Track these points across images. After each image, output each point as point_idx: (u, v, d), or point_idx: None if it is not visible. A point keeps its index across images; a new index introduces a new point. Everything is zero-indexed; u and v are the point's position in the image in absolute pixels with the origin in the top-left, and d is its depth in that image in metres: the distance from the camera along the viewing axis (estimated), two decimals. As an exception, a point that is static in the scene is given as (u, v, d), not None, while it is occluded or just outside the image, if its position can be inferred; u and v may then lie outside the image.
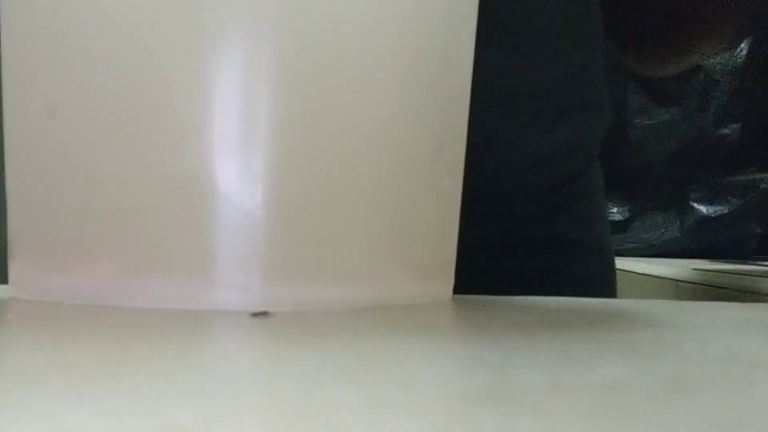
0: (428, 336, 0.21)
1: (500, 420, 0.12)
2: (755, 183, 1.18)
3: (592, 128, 0.50)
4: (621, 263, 0.76)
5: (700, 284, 0.85)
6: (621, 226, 1.23)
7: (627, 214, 1.24)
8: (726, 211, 1.19)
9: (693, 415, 0.12)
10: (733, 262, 1.06)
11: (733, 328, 0.24)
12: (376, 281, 0.26)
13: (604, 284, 0.52)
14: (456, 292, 0.29)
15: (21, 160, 0.26)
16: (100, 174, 0.24)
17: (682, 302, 0.32)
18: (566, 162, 0.49)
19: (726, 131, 1.19)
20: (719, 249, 1.18)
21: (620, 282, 0.54)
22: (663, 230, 1.20)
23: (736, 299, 0.77)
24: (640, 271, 1.01)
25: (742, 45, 1.17)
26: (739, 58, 1.18)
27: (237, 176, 0.24)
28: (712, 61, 1.18)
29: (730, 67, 1.18)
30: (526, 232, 0.48)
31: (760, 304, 0.30)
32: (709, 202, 1.20)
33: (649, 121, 1.21)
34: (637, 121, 1.21)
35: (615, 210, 1.23)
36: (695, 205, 1.20)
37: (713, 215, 1.19)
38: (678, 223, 1.21)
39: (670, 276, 0.93)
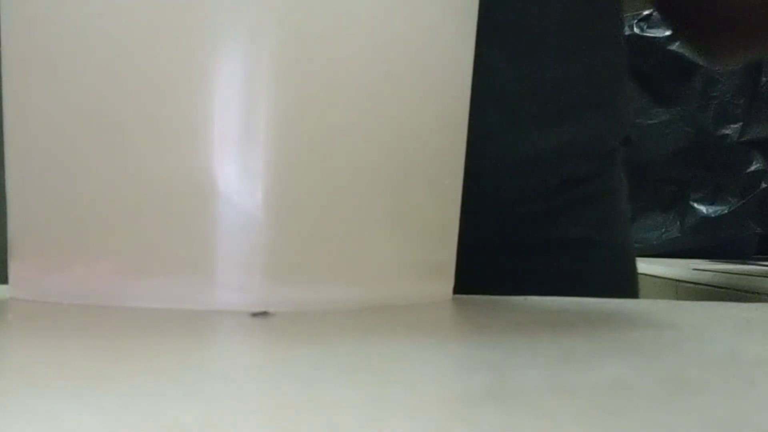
0: (428, 336, 0.21)
1: (500, 420, 0.12)
2: (755, 183, 1.18)
3: (605, 130, 0.49)
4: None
5: (700, 284, 0.85)
6: (621, 226, 1.22)
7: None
8: (726, 211, 1.19)
9: (693, 415, 0.12)
10: (733, 262, 1.06)
11: (733, 328, 0.24)
12: (376, 281, 0.26)
13: (622, 289, 0.50)
14: (456, 292, 0.29)
15: (21, 160, 0.26)
16: (100, 174, 0.24)
17: (682, 302, 0.32)
18: (573, 163, 0.48)
19: (726, 131, 1.19)
20: (719, 249, 1.18)
21: (620, 282, 0.54)
22: (663, 230, 1.20)
23: (736, 299, 0.77)
24: (641, 271, 1.00)
25: (742, 45, 1.17)
26: (739, 58, 1.18)
27: (237, 176, 0.24)
28: (712, 61, 1.18)
29: (730, 67, 1.18)
30: (533, 233, 0.47)
31: (760, 304, 0.30)
32: (709, 202, 1.20)
33: (649, 121, 1.21)
34: (638, 121, 1.21)
35: (615, 210, 1.23)
36: (695, 205, 1.20)
37: (713, 215, 1.19)
38: (678, 223, 1.21)
39: (670, 276, 0.93)
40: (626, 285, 0.51)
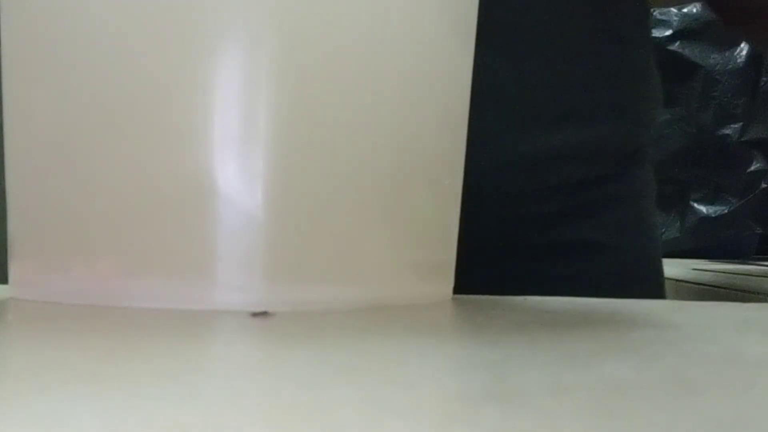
0: (428, 336, 0.21)
1: (500, 420, 0.12)
2: (755, 183, 1.18)
3: (619, 133, 0.48)
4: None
5: (700, 284, 0.85)
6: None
7: (627, 214, 1.24)
8: (726, 211, 1.19)
9: (693, 415, 0.12)
10: (733, 262, 1.06)
11: (733, 328, 0.24)
12: (376, 281, 0.26)
13: (642, 292, 0.48)
14: (456, 292, 0.29)
15: (21, 160, 0.26)
16: (100, 174, 0.24)
17: (682, 302, 0.32)
18: (579, 165, 0.47)
19: (726, 131, 1.19)
20: (719, 249, 1.18)
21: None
22: (663, 230, 1.20)
23: (736, 299, 0.77)
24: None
25: (742, 45, 1.17)
26: (739, 58, 1.18)
27: (237, 176, 0.24)
28: (712, 61, 1.18)
29: (730, 67, 1.18)
30: (535, 235, 0.47)
31: (760, 304, 0.30)
32: (709, 202, 1.20)
33: (649, 121, 1.21)
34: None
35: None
36: (695, 205, 1.20)
37: (713, 215, 1.19)
38: (678, 223, 1.21)
39: (670, 276, 0.93)
40: (642, 290, 0.49)
